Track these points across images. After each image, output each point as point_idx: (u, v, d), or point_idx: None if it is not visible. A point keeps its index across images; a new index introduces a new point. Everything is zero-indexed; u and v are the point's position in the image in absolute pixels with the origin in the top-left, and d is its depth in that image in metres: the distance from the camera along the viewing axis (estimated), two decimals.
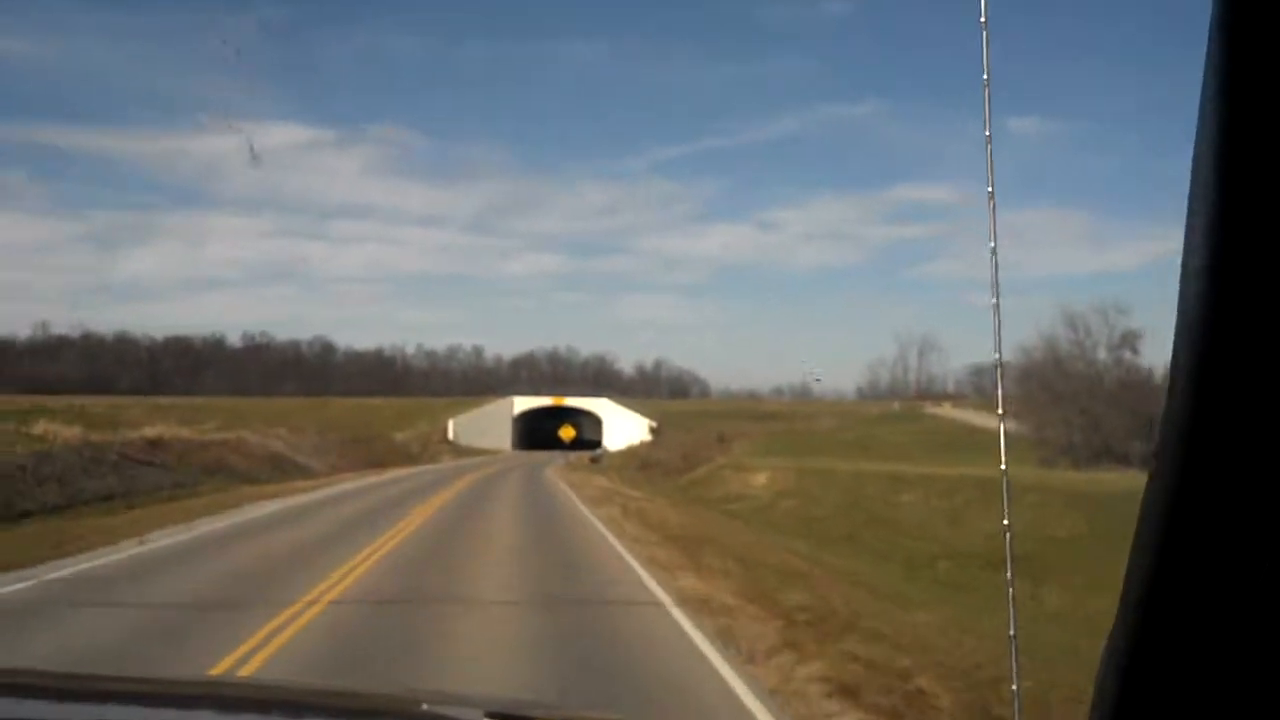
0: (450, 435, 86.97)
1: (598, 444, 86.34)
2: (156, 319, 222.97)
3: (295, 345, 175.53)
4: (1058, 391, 57.51)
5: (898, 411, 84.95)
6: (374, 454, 75.79)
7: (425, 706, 2.40)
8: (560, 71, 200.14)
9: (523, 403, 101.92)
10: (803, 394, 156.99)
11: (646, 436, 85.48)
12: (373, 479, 44.35)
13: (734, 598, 12.23)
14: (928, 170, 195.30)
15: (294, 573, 13.79)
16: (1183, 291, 0.68)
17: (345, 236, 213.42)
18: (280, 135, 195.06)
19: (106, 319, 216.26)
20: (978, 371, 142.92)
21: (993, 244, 1.59)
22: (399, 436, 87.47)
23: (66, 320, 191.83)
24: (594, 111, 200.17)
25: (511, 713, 2.56)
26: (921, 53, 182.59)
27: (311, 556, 15.61)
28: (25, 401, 70.88)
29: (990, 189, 1.59)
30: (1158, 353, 59.20)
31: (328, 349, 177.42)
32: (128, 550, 16.26)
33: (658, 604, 11.87)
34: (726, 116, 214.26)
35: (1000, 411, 1.70)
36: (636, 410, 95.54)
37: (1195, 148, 0.68)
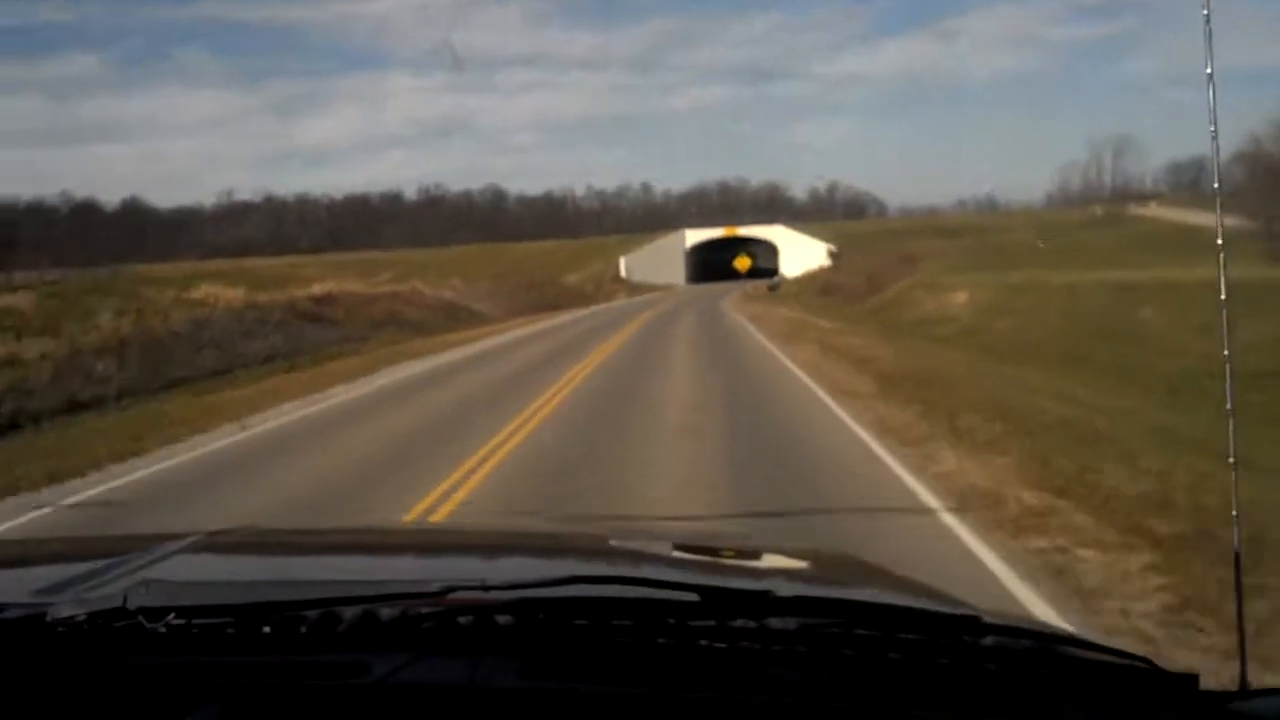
0: (622, 273, 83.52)
1: (774, 272, 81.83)
2: (338, 182, 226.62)
3: (468, 195, 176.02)
4: None
5: (1100, 215, 76.43)
6: (547, 297, 73.68)
7: (614, 542, 2.55)
8: None
9: (694, 235, 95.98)
10: (988, 205, 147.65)
11: (825, 261, 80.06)
12: (544, 324, 41.33)
13: (1032, 490, 7.93)
14: None
15: (413, 472, 10.17)
16: None
17: (512, 86, 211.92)
18: None
19: (291, 184, 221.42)
20: (1175, 169, 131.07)
21: (1209, 70, 1.59)
22: (572, 278, 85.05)
23: (250, 186, 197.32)
24: None
25: (701, 544, 2.61)
26: None
27: (450, 431, 12.01)
28: (204, 267, 70.85)
29: (1206, 11, 1.59)
30: None
31: (499, 196, 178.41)
32: (220, 439, 12.95)
33: (923, 510, 7.59)
34: None
35: (1220, 242, 1.71)
36: (813, 235, 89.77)
37: None
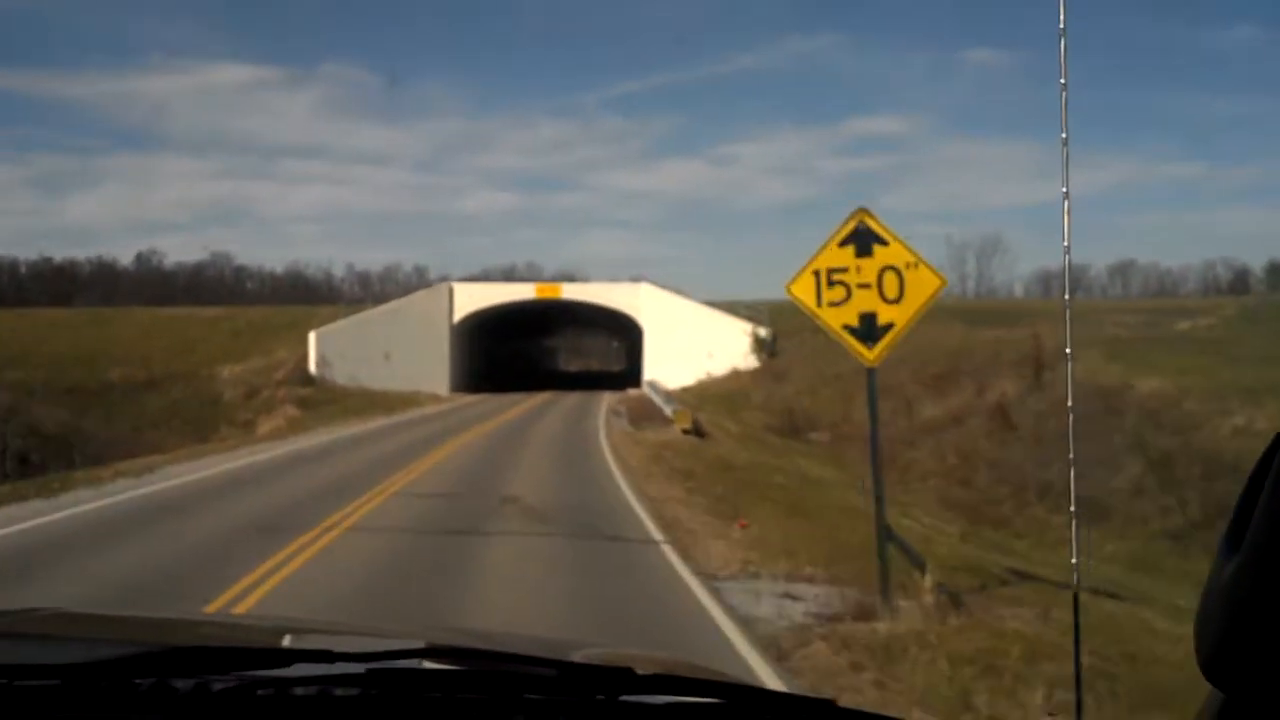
0: (312, 365, 38.13)
1: (628, 377, 39.96)
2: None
3: (199, 266, 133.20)
4: None
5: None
6: (132, 421, 29.39)
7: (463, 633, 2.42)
8: (514, 4, 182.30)
9: (470, 295, 46.90)
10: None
11: (744, 360, 38.01)
12: None
13: None
14: (881, 101, 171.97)
15: None
16: None
17: (294, 176, 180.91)
18: (229, 75, 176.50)
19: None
20: (1045, 276, 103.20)
21: (1065, 189, 1.60)
22: (226, 373, 40.31)
23: None
24: (549, 45, 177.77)
25: (552, 639, 2.28)
26: None
27: None
28: None
29: (1064, 135, 1.57)
30: None
31: (240, 271, 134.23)
32: None
33: None
34: (681, 50, 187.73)
35: (1068, 350, 1.64)
36: (715, 306, 44.08)
37: None
